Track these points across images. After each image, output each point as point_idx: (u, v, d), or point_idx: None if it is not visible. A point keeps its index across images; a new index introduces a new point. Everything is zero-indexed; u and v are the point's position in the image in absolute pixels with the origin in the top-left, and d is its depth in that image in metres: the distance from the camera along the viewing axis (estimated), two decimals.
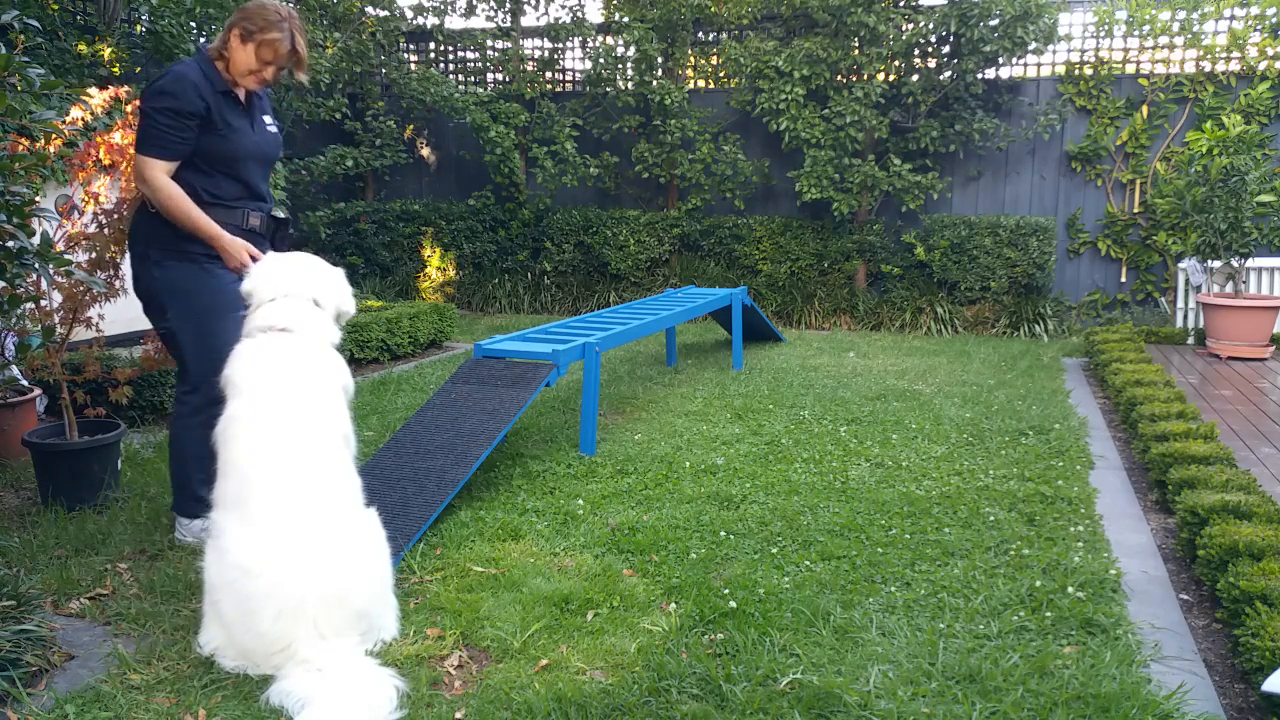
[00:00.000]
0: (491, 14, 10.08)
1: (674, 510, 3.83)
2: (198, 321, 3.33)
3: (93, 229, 3.85)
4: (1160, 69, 8.58)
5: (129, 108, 4.01)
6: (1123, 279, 8.88)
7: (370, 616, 2.66)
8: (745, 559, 3.35)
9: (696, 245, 9.73)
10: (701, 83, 9.96)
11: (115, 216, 3.83)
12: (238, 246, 3.33)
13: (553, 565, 3.30)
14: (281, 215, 3.61)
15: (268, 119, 3.55)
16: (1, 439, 4.42)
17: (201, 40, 7.91)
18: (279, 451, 2.63)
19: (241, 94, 3.42)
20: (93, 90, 3.92)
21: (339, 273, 3.13)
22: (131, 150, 3.62)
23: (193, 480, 3.41)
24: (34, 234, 3.31)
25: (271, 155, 3.58)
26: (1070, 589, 3.06)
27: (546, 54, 10.16)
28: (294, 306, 2.92)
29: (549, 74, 10.22)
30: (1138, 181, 8.70)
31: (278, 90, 8.90)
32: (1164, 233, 8.52)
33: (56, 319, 3.92)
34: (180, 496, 3.50)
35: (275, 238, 3.58)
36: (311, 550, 2.54)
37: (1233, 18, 8.32)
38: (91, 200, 3.87)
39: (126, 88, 4.17)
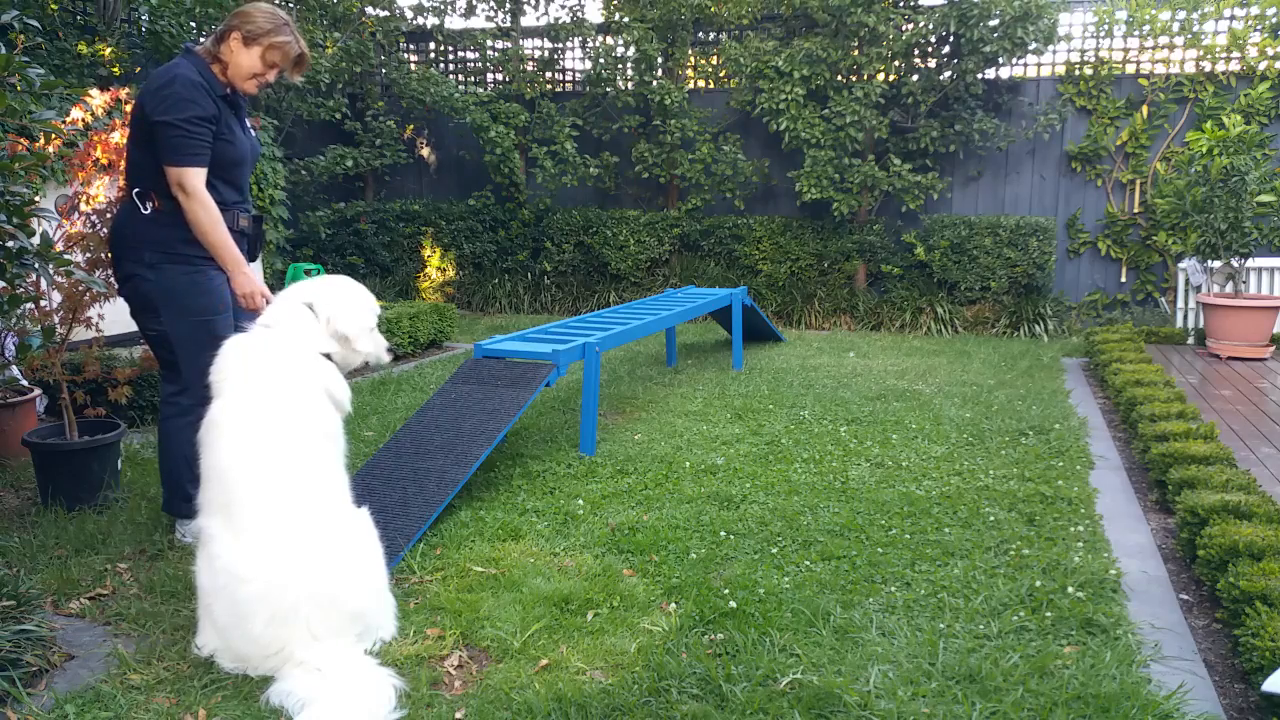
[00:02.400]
0: (491, 14, 10.08)
1: (674, 510, 3.83)
2: (193, 323, 3.32)
3: (87, 230, 3.85)
4: (1160, 69, 8.59)
5: (129, 107, 4.00)
6: (1123, 279, 8.88)
7: (365, 617, 2.65)
8: (745, 559, 3.35)
9: (696, 245, 9.73)
10: (701, 83, 9.96)
11: (108, 216, 3.82)
12: (253, 281, 3.32)
13: (553, 565, 3.30)
14: (256, 214, 3.63)
15: (247, 121, 3.57)
16: (1, 439, 4.42)
17: (201, 37, 7.92)
18: (261, 454, 2.61)
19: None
20: (94, 92, 3.92)
21: (355, 289, 3.01)
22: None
23: (183, 481, 3.41)
24: (34, 234, 3.32)
25: (257, 157, 3.60)
26: (1070, 589, 3.06)
27: (546, 54, 10.16)
28: (283, 307, 2.91)
29: (549, 74, 10.22)
30: (1138, 181, 8.70)
31: (277, 90, 8.90)
32: (1164, 233, 8.52)
33: (56, 319, 3.92)
34: (171, 497, 3.51)
35: (255, 235, 3.59)
36: (301, 553, 2.53)
37: (1233, 18, 8.32)
38: (87, 200, 3.86)
39: (127, 89, 4.18)
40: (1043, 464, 4.47)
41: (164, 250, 3.27)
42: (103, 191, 3.90)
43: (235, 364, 2.76)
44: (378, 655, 2.64)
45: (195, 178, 3.17)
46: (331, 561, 2.57)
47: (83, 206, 3.86)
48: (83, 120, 3.93)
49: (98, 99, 3.93)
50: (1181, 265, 8.03)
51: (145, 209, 3.26)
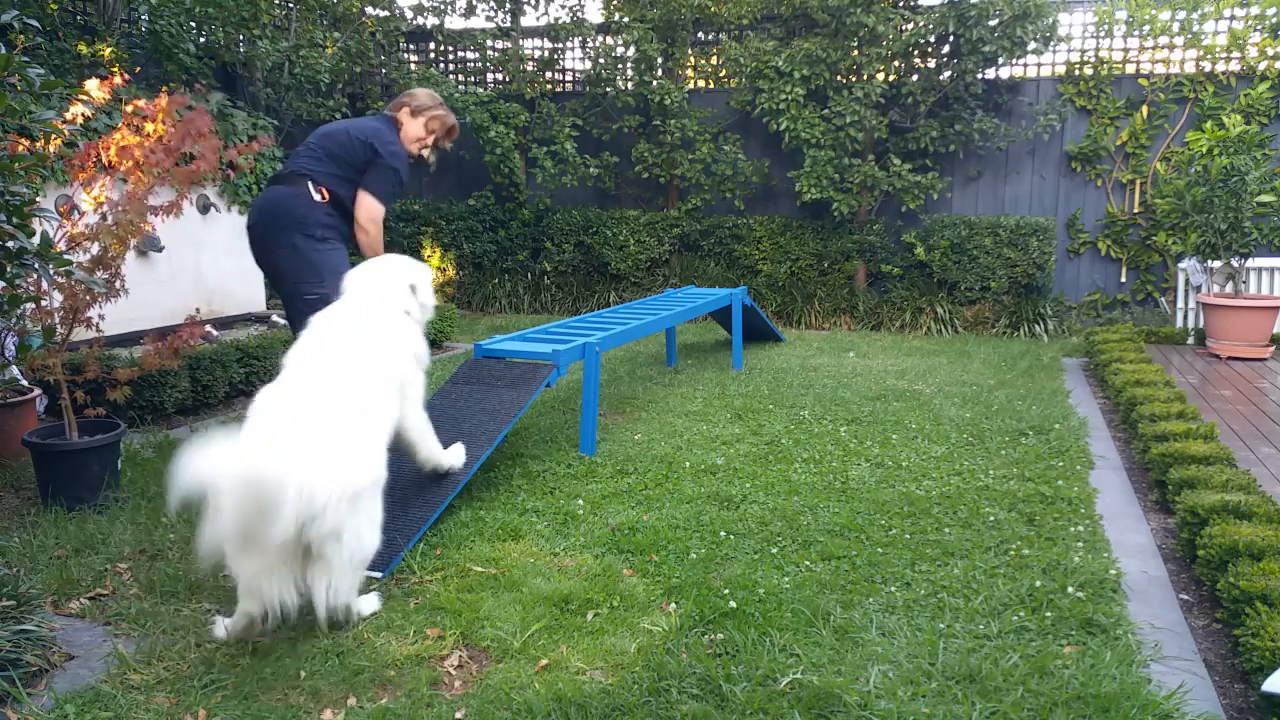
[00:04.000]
0: (491, 14, 10.08)
1: (674, 510, 3.83)
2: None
3: (95, 221, 3.85)
4: (1160, 69, 8.58)
5: (129, 108, 4.00)
6: (1123, 279, 8.89)
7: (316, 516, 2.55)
8: (745, 559, 3.35)
9: (696, 245, 9.73)
10: (701, 83, 9.96)
11: (119, 208, 3.82)
12: None
13: (553, 565, 3.30)
14: None
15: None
16: (1, 439, 4.42)
17: (202, 37, 7.93)
18: (322, 368, 2.92)
19: None
20: (90, 84, 3.91)
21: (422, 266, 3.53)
22: (137, 151, 3.74)
23: None
24: (34, 234, 3.32)
25: None
26: (1070, 589, 3.06)
27: (546, 54, 10.16)
28: (378, 278, 3.34)
29: (549, 74, 10.22)
30: (1138, 181, 8.70)
31: (277, 90, 8.91)
32: (1164, 233, 8.52)
33: (56, 319, 3.92)
34: None
35: None
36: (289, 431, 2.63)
37: (1233, 18, 8.32)
38: (97, 203, 3.87)
39: (124, 78, 4.17)
40: (1043, 464, 4.47)
41: (330, 228, 4.05)
42: (104, 192, 3.90)
43: (324, 317, 3.18)
44: (377, 651, 2.64)
45: (382, 216, 4.18)
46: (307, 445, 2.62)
47: (93, 205, 3.85)
48: (82, 115, 3.93)
49: (96, 91, 3.92)
50: (1181, 265, 8.03)
51: (317, 197, 4.00)
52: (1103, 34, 8.69)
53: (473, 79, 10.38)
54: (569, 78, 10.29)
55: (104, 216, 3.83)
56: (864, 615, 2.90)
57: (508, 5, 9.96)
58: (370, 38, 9.74)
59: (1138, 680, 2.51)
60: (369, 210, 4.08)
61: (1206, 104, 8.36)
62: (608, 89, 9.59)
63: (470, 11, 10.06)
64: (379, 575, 3.22)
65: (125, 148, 3.84)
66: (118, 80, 4.06)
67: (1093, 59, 8.69)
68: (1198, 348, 7.62)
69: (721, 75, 9.80)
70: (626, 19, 9.43)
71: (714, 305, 6.71)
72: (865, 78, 8.72)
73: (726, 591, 3.05)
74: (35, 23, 3.57)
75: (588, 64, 9.90)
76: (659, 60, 9.53)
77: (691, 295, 6.90)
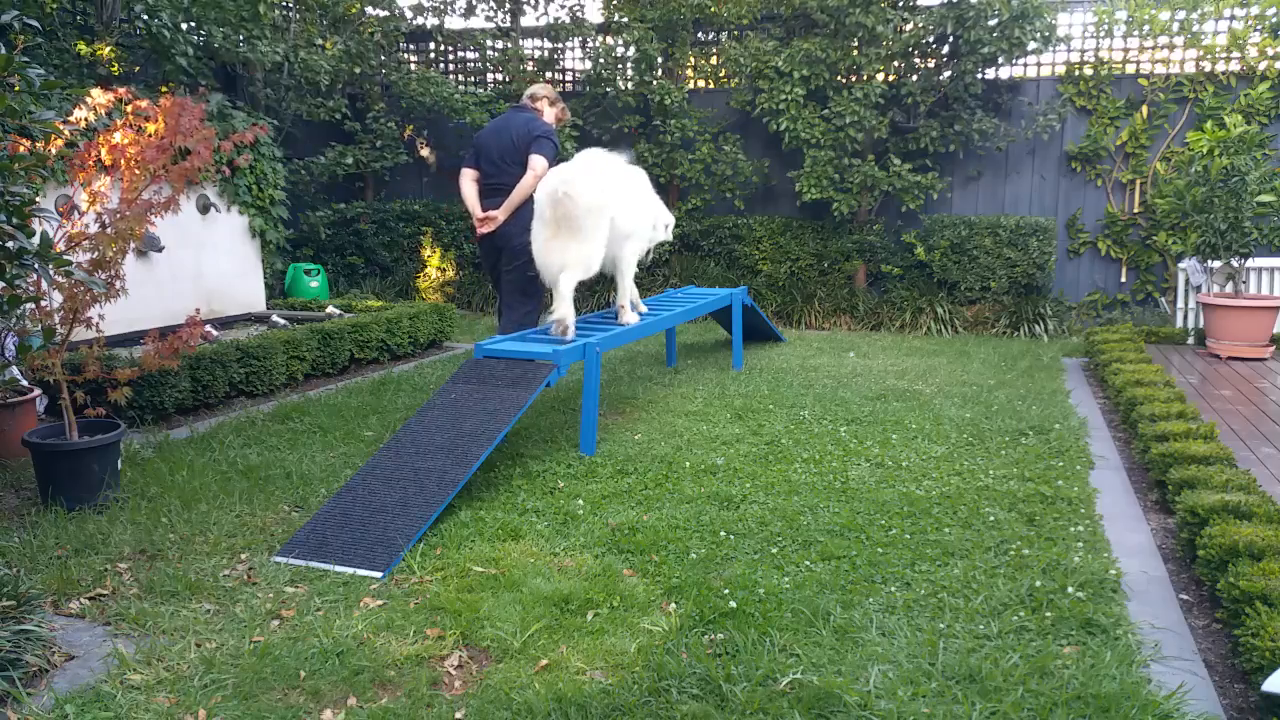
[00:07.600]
0: (491, 14, 10.08)
1: (674, 510, 3.83)
2: None
3: (94, 229, 3.85)
4: (1160, 69, 8.59)
5: (129, 108, 4.00)
6: (1123, 279, 8.89)
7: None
8: (745, 559, 3.35)
9: (696, 245, 9.73)
10: (701, 83, 9.96)
11: (117, 215, 3.82)
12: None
13: (553, 565, 3.30)
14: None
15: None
16: (1, 439, 4.42)
17: (199, 37, 7.94)
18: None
19: None
20: (96, 91, 3.93)
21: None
22: (131, 150, 3.73)
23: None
24: (34, 234, 3.32)
25: None
26: (1070, 589, 3.06)
27: (546, 54, 10.16)
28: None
29: (549, 74, 10.22)
30: (1138, 181, 8.70)
31: (276, 90, 8.91)
32: (1164, 233, 8.52)
33: (56, 319, 3.92)
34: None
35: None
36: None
37: (1233, 18, 8.32)
38: (93, 200, 3.86)
39: (127, 88, 4.19)
40: (1043, 464, 4.47)
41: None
42: (104, 190, 3.90)
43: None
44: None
45: (546, 168, 5.30)
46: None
47: (89, 207, 3.85)
48: (85, 120, 3.94)
49: (100, 98, 3.93)
50: (1181, 265, 8.03)
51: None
52: (1102, 34, 8.69)
53: (473, 79, 10.38)
54: (569, 78, 10.29)
55: (103, 225, 3.83)
56: (864, 615, 2.90)
57: (508, 5, 9.96)
58: (370, 38, 9.74)
59: (1138, 680, 2.52)
60: (538, 166, 5.30)
61: (1206, 104, 8.36)
62: (608, 89, 9.59)
63: (470, 11, 10.06)
64: (379, 575, 3.22)
65: (116, 146, 3.83)
66: (122, 91, 4.07)
67: (1093, 59, 8.70)
68: (1198, 348, 7.62)
69: (721, 75, 9.80)
70: (626, 19, 9.44)
71: (714, 305, 6.71)
72: (865, 78, 8.72)
73: (726, 591, 3.05)
74: (35, 23, 3.58)
75: (588, 64, 9.90)
76: (659, 60, 9.53)
77: (691, 295, 6.90)
